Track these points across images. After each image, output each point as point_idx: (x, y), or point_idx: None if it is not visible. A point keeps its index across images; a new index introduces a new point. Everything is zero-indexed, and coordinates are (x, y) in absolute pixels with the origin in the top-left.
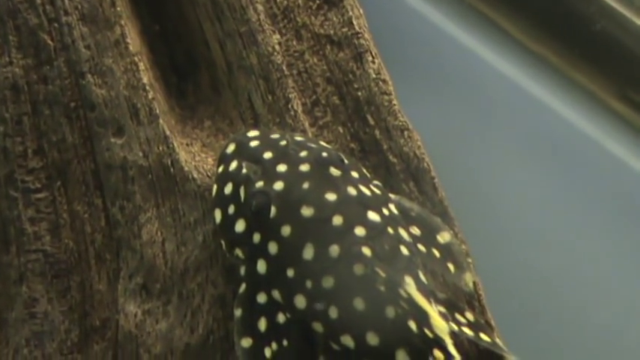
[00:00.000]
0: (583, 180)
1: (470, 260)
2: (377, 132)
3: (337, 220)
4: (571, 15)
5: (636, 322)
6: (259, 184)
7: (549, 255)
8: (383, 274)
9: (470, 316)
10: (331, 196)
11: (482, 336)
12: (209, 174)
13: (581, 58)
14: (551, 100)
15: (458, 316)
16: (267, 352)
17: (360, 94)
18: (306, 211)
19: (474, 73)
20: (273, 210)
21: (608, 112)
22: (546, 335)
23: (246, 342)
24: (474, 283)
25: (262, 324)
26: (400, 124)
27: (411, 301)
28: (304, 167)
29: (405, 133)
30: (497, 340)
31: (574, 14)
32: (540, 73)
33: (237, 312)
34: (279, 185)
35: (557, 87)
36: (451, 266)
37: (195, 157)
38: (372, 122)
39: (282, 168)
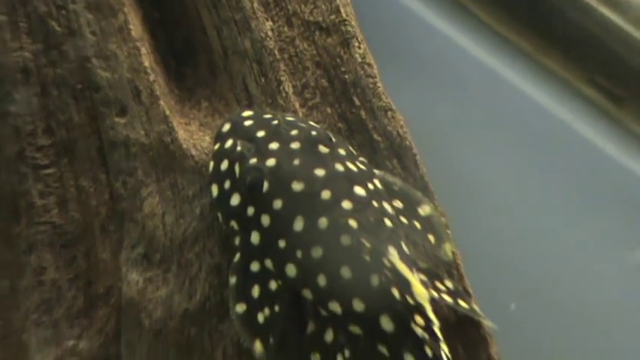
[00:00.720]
0: (552, 157)
1: (449, 232)
2: (362, 112)
3: (325, 194)
4: (543, 6)
5: (597, 281)
6: (253, 160)
7: (519, 224)
8: (368, 245)
9: (449, 283)
10: (320, 172)
11: (461, 302)
12: (206, 151)
13: (553, 47)
14: (525, 85)
15: (438, 284)
16: (260, 317)
17: (346, 77)
18: (297, 186)
19: (450, 59)
20: (265, 185)
21: (577, 95)
22: (520, 299)
23: (241, 307)
24: (453, 253)
25: (255, 291)
26: (384, 104)
27: (394, 270)
28: (295, 145)
29: (389, 113)
30: (475, 307)
31: (545, 6)
32: (514, 59)
33: (232, 279)
34: (271, 162)
35: (530, 72)
36: (431, 237)
37: (193, 136)
38: (357, 103)
39: (274, 146)
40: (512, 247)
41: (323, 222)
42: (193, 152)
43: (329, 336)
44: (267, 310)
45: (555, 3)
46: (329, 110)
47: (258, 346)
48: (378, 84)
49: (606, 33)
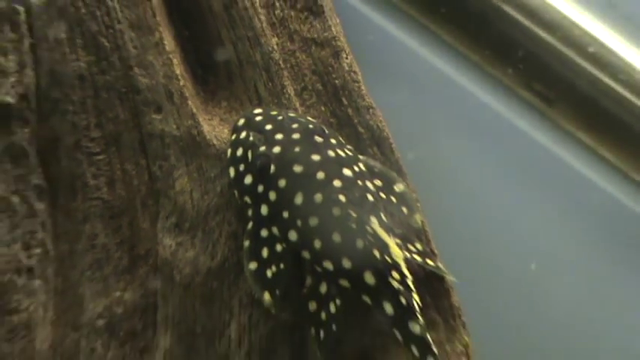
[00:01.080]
0: (496, 148)
1: (419, 204)
2: (349, 110)
3: (320, 175)
4: (490, 28)
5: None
6: (262, 148)
7: (479, 206)
8: (354, 215)
9: (419, 246)
10: (316, 157)
11: (428, 261)
12: (225, 141)
13: (498, 59)
14: (475, 89)
15: (410, 246)
16: (269, 273)
17: (337, 82)
18: (297, 168)
19: (411, 69)
20: (272, 168)
21: (517, 98)
22: (484, 271)
23: (253, 265)
24: (422, 221)
25: (265, 252)
26: (366, 104)
27: (375, 235)
28: (295, 136)
29: (370, 110)
30: (439, 265)
31: (492, 28)
32: (463, 67)
33: (246, 243)
34: (277, 149)
35: (479, 79)
36: (404, 209)
37: (214, 129)
38: (345, 103)
39: (279, 136)
40: (476, 221)
41: (318, 197)
42: (215, 142)
43: (323, 288)
44: (274, 268)
45: (500, 26)
46: (323, 108)
47: (266, 296)
48: (362, 87)
49: (540, 49)
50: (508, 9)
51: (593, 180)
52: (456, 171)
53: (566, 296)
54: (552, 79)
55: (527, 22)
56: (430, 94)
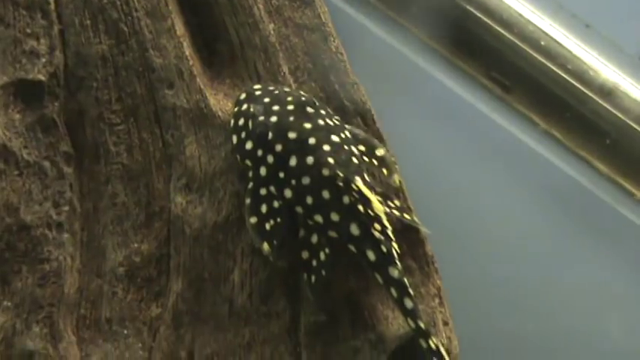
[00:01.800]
0: (460, 131)
1: (397, 166)
2: (336, 86)
3: (312, 140)
4: (457, 28)
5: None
6: (261, 118)
7: (442, 186)
8: (341, 175)
9: (397, 202)
10: (308, 125)
11: (405, 215)
12: (228, 113)
13: (463, 53)
14: (444, 79)
15: (389, 202)
16: (267, 226)
17: (325, 62)
18: (292, 135)
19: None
20: (270, 134)
21: (479, 85)
22: (447, 250)
23: (253, 219)
24: (400, 181)
25: (263, 208)
26: (351, 80)
27: (359, 192)
28: (290, 107)
29: (355, 86)
30: (415, 218)
31: (460, 29)
32: (433, 59)
33: (247, 200)
34: (274, 118)
35: (448, 70)
36: (385, 170)
37: (219, 103)
38: (333, 80)
39: (275, 107)
40: (452, 198)
41: (310, 159)
42: (220, 114)
43: (314, 239)
44: (271, 221)
45: (464, 23)
46: (313, 85)
47: (265, 246)
48: (347, 66)
49: (499, 42)
50: (471, 9)
51: (545, 156)
52: (419, 152)
53: (523, 266)
54: (509, 68)
55: (487, 20)
56: (398, 82)
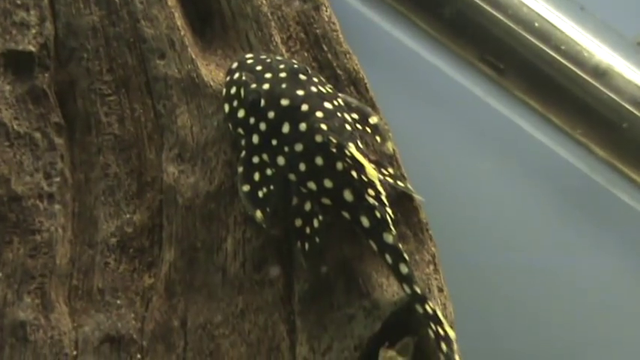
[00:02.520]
0: (454, 113)
1: (390, 134)
2: (329, 55)
3: (304, 107)
4: (453, 15)
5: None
6: (253, 85)
7: (439, 170)
8: (334, 141)
9: (391, 170)
10: (300, 92)
11: (399, 183)
12: (220, 83)
13: (458, 37)
14: (438, 62)
15: (383, 170)
16: (260, 194)
17: (318, 31)
18: (284, 102)
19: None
20: (262, 102)
21: (473, 68)
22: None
23: (246, 188)
24: (394, 149)
25: (256, 176)
26: (344, 49)
27: (353, 158)
28: (282, 74)
29: (347, 55)
30: (409, 185)
31: (448, 3)
32: (431, 45)
33: (240, 169)
34: (266, 86)
35: (442, 54)
36: (378, 138)
37: (211, 73)
38: (326, 49)
39: (268, 75)
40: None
41: (302, 126)
42: (212, 84)
43: (307, 206)
44: (264, 189)
45: (458, 6)
46: (306, 54)
47: (258, 214)
48: (340, 36)
49: (494, 26)
50: None
51: (538, 138)
52: (411, 135)
53: (515, 243)
54: (502, 52)
55: (481, 3)
56: (389, 64)
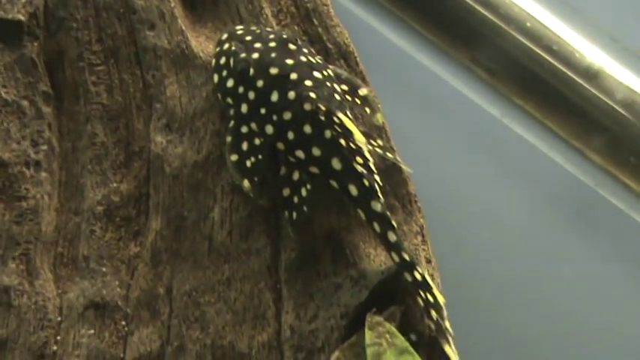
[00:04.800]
0: (446, 113)
1: (379, 106)
2: (319, 29)
3: (293, 75)
4: (446, 16)
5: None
6: (242, 55)
7: (431, 170)
8: (323, 109)
9: (380, 141)
10: (290, 61)
11: (388, 154)
12: (210, 55)
13: (451, 38)
14: (431, 64)
15: (372, 141)
16: (248, 164)
17: (308, 5)
18: (273, 70)
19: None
20: (251, 71)
21: (464, 68)
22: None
23: (234, 157)
24: (383, 121)
25: (245, 145)
26: (334, 23)
27: (342, 125)
28: (272, 44)
29: (337, 29)
30: (397, 157)
31: (448, 16)
32: (425, 47)
33: (228, 139)
34: (255, 55)
35: (435, 56)
36: (367, 109)
37: (201, 44)
38: (316, 23)
39: (257, 45)
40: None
41: (291, 94)
42: (201, 55)
43: (295, 175)
44: (252, 159)
45: (449, 6)
46: (296, 28)
47: (246, 183)
48: (330, 10)
49: (485, 27)
50: None
51: (526, 138)
52: (400, 134)
53: (501, 246)
54: (493, 53)
55: (472, 3)
56: (379, 64)
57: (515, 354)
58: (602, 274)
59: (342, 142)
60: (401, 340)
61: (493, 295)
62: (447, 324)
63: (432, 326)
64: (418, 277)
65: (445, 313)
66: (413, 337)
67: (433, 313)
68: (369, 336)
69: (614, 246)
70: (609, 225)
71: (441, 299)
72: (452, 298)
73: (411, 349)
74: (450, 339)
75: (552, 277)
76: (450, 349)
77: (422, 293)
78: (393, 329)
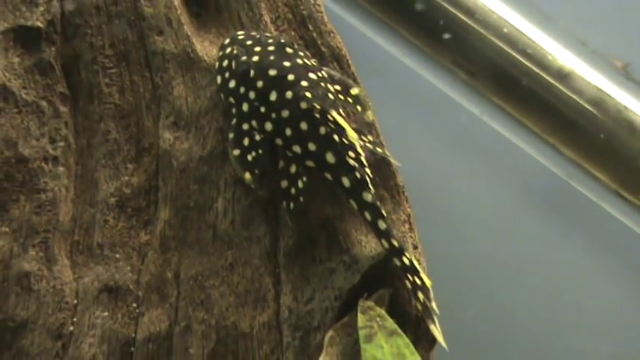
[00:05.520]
0: (429, 113)
1: (370, 104)
2: (314, 34)
3: (290, 77)
4: (427, 22)
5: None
6: (244, 58)
7: (419, 170)
8: (318, 107)
9: (370, 137)
10: (287, 63)
11: (377, 148)
12: (214, 58)
13: (433, 42)
14: (414, 66)
15: (363, 137)
16: (249, 157)
17: (304, 12)
18: (272, 72)
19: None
20: (252, 72)
21: (446, 70)
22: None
23: (236, 152)
24: (373, 118)
25: (246, 141)
26: (328, 29)
27: (335, 122)
28: (271, 48)
29: (331, 34)
30: (387, 152)
31: (429, 22)
32: (405, 48)
33: (230, 135)
34: (255, 58)
35: (419, 59)
36: (359, 107)
37: (205, 48)
38: (311, 28)
39: (257, 49)
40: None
41: (289, 94)
42: (206, 58)
43: (293, 169)
44: (253, 153)
45: (431, 12)
46: (293, 33)
47: (247, 175)
48: (324, 16)
49: (465, 32)
50: (440, 1)
51: (503, 134)
52: (396, 132)
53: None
54: (473, 56)
55: (452, 9)
56: (376, 71)
57: (493, 326)
58: (573, 257)
59: (336, 137)
60: (390, 323)
61: (474, 276)
62: (433, 305)
63: (419, 307)
64: (406, 261)
65: (432, 294)
66: None
67: (420, 295)
68: (361, 319)
69: (584, 232)
70: (580, 213)
71: (427, 282)
72: (436, 280)
73: (399, 330)
74: (436, 319)
75: (529, 260)
76: (435, 329)
77: (410, 277)
78: (383, 313)
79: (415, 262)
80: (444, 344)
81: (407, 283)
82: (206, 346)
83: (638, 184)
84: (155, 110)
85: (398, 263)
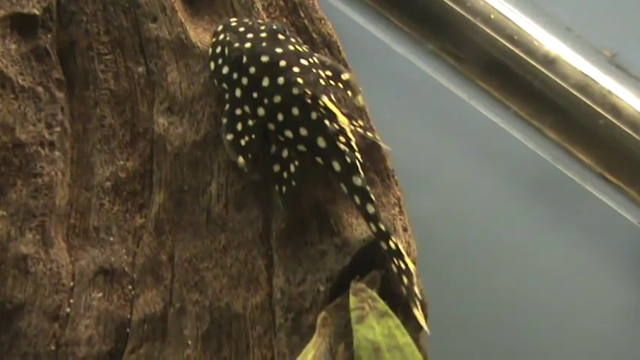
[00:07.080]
0: (420, 99)
1: (361, 89)
2: (306, 21)
3: (282, 63)
4: (422, 13)
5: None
6: (236, 44)
7: (408, 154)
8: (309, 93)
9: (360, 122)
10: (279, 50)
11: (368, 133)
12: (207, 45)
13: (425, 30)
14: (406, 52)
15: (353, 122)
16: (242, 142)
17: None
18: (264, 58)
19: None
20: (244, 59)
21: (436, 57)
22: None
23: (230, 136)
24: (363, 104)
25: (239, 126)
26: (319, 16)
27: (326, 108)
28: (263, 34)
29: (322, 21)
30: (377, 136)
31: (423, 13)
32: (394, 34)
33: (224, 120)
34: (248, 44)
35: (411, 46)
36: (349, 93)
37: (199, 35)
38: (302, 15)
39: (249, 35)
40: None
41: (281, 80)
42: (199, 45)
43: (285, 153)
44: (246, 138)
45: (431, 7)
46: (285, 20)
47: (241, 159)
48: (315, 3)
49: (454, 20)
50: None
51: (490, 118)
52: (386, 116)
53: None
54: (462, 42)
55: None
56: (366, 57)
57: (478, 303)
58: (559, 239)
59: (327, 122)
60: (382, 304)
61: (462, 257)
62: (416, 289)
63: (404, 291)
64: (392, 245)
65: (415, 279)
66: None
67: (405, 279)
68: (353, 301)
69: (569, 213)
70: (565, 195)
71: (411, 267)
72: (426, 261)
73: (390, 312)
74: (418, 303)
75: (515, 242)
76: (417, 312)
77: (395, 260)
78: (375, 294)
79: (401, 247)
80: (426, 328)
81: (392, 266)
82: (200, 327)
83: (621, 166)
84: (149, 96)
85: (384, 247)
